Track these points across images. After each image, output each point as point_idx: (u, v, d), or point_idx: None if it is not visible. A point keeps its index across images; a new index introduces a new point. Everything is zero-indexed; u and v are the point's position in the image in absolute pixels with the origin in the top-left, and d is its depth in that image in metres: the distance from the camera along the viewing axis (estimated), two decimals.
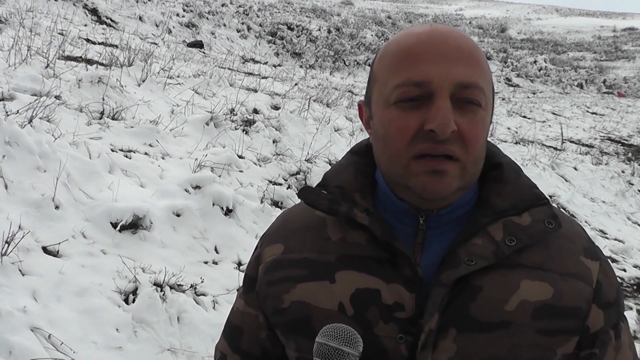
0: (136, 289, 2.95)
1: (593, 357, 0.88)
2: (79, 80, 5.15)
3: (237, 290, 1.14)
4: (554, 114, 18.40)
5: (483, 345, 0.84)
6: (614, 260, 6.21)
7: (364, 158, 0.98)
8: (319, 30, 23.57)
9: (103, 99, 4.99)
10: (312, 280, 0.92)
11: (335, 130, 6.99)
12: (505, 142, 11.23)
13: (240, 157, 5.07)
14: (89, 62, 6.55)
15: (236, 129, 5.62)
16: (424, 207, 0.90)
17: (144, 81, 6.13)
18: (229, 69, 10.83)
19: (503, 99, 20.01)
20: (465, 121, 0.83)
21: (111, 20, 13.91)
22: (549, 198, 0.95)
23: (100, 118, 4.79)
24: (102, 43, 9.50)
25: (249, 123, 5.84)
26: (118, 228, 3.31)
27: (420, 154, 0.84)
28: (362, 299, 0.88)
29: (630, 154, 13.49)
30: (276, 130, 6.03)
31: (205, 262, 3.51)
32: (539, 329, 0.85)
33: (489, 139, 0.94)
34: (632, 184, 10.49)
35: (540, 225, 0.88)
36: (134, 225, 3.39)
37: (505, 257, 0.87)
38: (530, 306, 0.85)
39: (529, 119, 16.25)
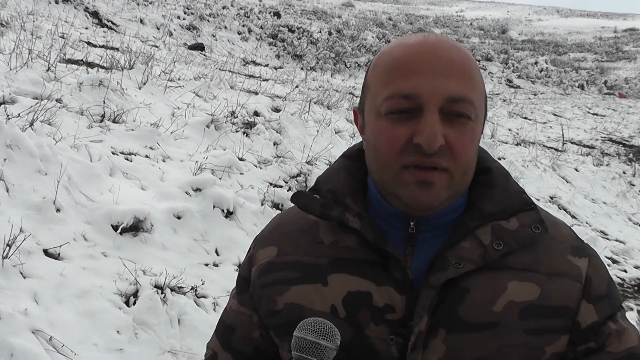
0: (137, 291, 2.96)
1: (590, 351, 0.89)
2: (80, 84, 5.17)
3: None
4: (555, 115, 18.38)
5: (472, 346, 0.86)
6: (615, 261, 6.21)
7: (355, 162, 0.99)
8: (320, 32, 23.59)
9: (104, 102, 5.00)
10: (305, 283, 0.94)
11: (335, 133, 7.00)
12: (507, 143, 11.23)
13: (241, 159, 5.08)
14: (90, 65, 6.56)
15: (237, 131, 5.63)
16: (413, 215, 0.92)
17: (144, 84, 6.14)
18: (229, 71, 10.85)
19: (504, 101, 19.99)
20: (455, 134, 0.85)
21: (112, 23, 13.94)
22: (536, 203, 0.96)
23: (101, 121, 4.81)
24: (103, 46, 9.52)
25: (249, 125, 5.86)
26: (119, 230, 3.32)
27: (408, 165, 0.85)
28: (353, 301, 0.90)
29: (631, 155, 13.49)
30: (277, 132, 6.04)
31: (206, 264, 3.52)
32: (526, 328, 0.87)
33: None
34: (634, 185, 10.50)
35: (527, 230, 0.90)
36: (135, 227, 3.40)
37: (493, 260, 0.88)
38: (517, 307, 0.87)
39: (530, 120, 16.24)
